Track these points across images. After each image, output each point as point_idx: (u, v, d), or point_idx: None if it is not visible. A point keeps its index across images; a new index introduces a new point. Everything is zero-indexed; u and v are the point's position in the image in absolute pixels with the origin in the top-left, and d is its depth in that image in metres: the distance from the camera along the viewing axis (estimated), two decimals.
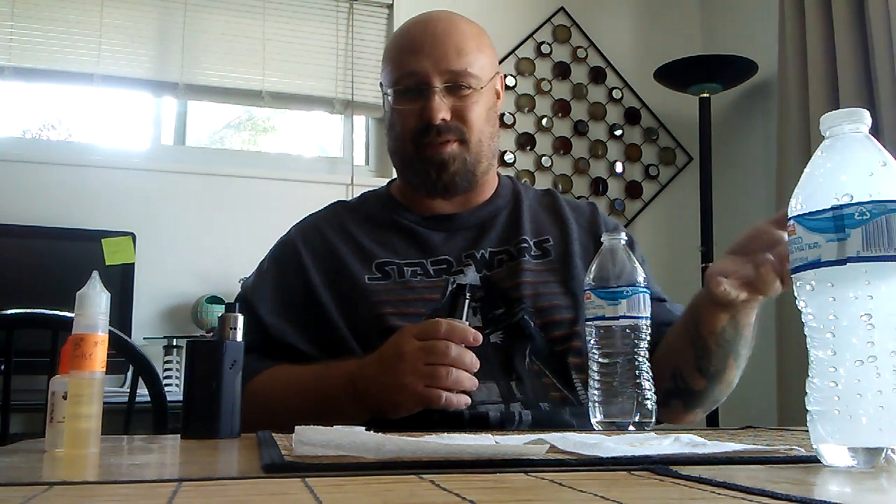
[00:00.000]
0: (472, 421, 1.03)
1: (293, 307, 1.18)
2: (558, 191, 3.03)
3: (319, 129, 3.30)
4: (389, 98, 1.20)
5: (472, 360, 0.94)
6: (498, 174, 1.31)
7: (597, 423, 0.93)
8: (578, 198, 3.06)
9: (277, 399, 1.09)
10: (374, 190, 1.34)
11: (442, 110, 1.14)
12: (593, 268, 0.95)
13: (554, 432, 0.79)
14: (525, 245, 1.20)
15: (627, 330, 0.93)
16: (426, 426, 0.99)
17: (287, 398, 1.08)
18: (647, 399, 0.93)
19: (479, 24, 1.24)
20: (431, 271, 1.17)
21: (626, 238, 0.98)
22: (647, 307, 0.94)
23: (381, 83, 1.25)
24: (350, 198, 1.36)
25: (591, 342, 0.95)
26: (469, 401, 0.96)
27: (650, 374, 0.94)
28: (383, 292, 1.13)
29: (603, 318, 0.93)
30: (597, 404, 0.93)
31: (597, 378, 0.94)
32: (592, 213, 1.29)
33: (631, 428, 0.91)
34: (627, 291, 0.93)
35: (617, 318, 0.93)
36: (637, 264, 0.95)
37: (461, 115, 1.16)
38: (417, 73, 1.15)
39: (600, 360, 0.94)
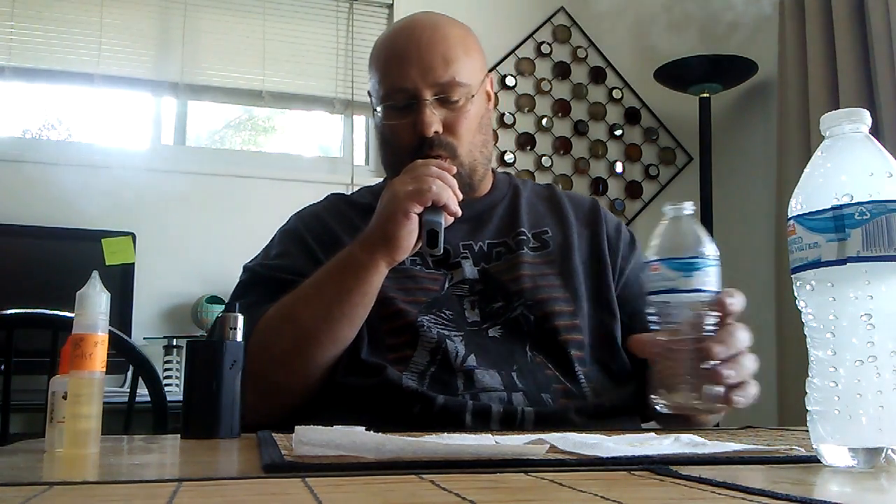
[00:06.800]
0: (475, 415, 1.01)
1: (302, 276, 1.14)
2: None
3: (319, 129, 3.30)
4: (379, 113, 1.19)
5: (453, 181, 1.02)
6: (494, 171, 1.31)
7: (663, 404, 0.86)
8: None
9: (292, 306, 1.06)
10: (371, 186, 1.35)
11: (434, 123, 1.13)
12: (658, 240, 0.87)
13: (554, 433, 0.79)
14: (523, 237, 1.20)
15: (701, 303, 0.85)
16: (429, 421, 0.99)
17: (301, 298, 1.06)
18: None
19: (465, 23, 1.22)
20: (430, 262, 1.17)
21: (693, 209, 0.89)
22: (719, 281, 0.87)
23: (369, 92, 1.24)
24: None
25: (656, 318, 0.87)
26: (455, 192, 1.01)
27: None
28: (386, 279, 1.11)
29: (675, 290, 0.85)
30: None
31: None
32: (593, 208, 1.28)
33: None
34: (700, 263, 0.85)
35: (690, 291, 0.85)
36: (706, 236, 0.88)
37: (452, 128, 1.15)
38: (406, 89, 1.14)
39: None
